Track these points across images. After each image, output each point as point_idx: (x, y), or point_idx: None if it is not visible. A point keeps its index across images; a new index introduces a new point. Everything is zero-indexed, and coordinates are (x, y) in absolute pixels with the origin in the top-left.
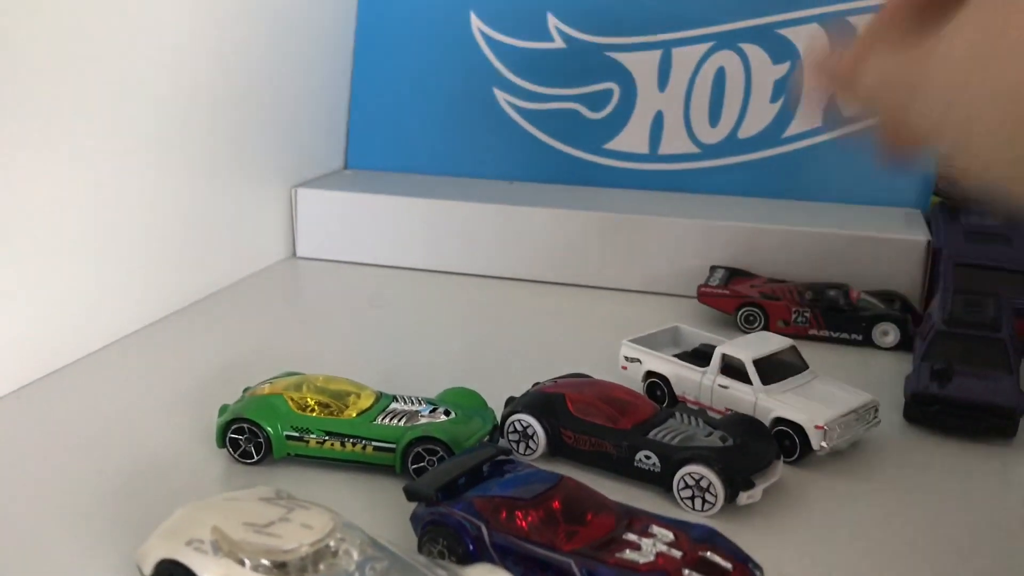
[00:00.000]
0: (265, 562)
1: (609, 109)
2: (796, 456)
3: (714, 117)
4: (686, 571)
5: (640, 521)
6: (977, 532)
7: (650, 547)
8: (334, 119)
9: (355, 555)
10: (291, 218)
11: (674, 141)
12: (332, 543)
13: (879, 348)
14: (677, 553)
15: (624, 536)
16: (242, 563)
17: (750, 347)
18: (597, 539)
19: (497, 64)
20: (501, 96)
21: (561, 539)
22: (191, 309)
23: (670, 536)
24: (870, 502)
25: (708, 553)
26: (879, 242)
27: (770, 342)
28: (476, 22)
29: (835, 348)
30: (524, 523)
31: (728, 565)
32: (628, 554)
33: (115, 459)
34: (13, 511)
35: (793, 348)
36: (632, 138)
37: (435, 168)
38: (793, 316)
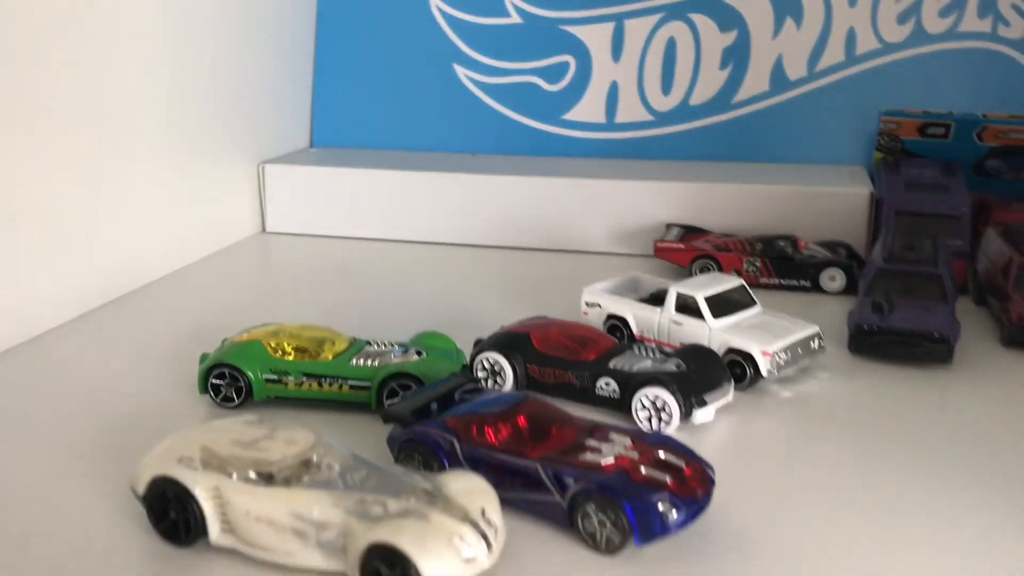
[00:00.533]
0: (252, 474)
1: (566, 81)
2: (747, 383)
3: (666, 85)
4: (643, 468)
5: (600, 431)
6: (915, 448)
7: (610, 450)
8: (298, 98)
9: (336, 467)
10: (260, 194)
11: (629, 110)
12: (315, 457)
13: (827, 293)
14: (635, 454)
15: (586, 443)
16: (230, 476)
17: (702, 286)
18: (561, 447)
19: (456, 40)
20: (461, 71)
21: (528, 448)
22: (165, 280)
23: (628, 441)
24: (815, 423)
25: (662, 453)
26: (824, 195)
27: (720, 281)
28: (435, 0)
29: (785, 294)
30: (493, 436)
31: (681, 463)
32: (590, 456)
33: (104, 409)
34: (12, 454)
35: (742, 286)
36: (589, 108)
37: (399, 144)
38: (745, 266)
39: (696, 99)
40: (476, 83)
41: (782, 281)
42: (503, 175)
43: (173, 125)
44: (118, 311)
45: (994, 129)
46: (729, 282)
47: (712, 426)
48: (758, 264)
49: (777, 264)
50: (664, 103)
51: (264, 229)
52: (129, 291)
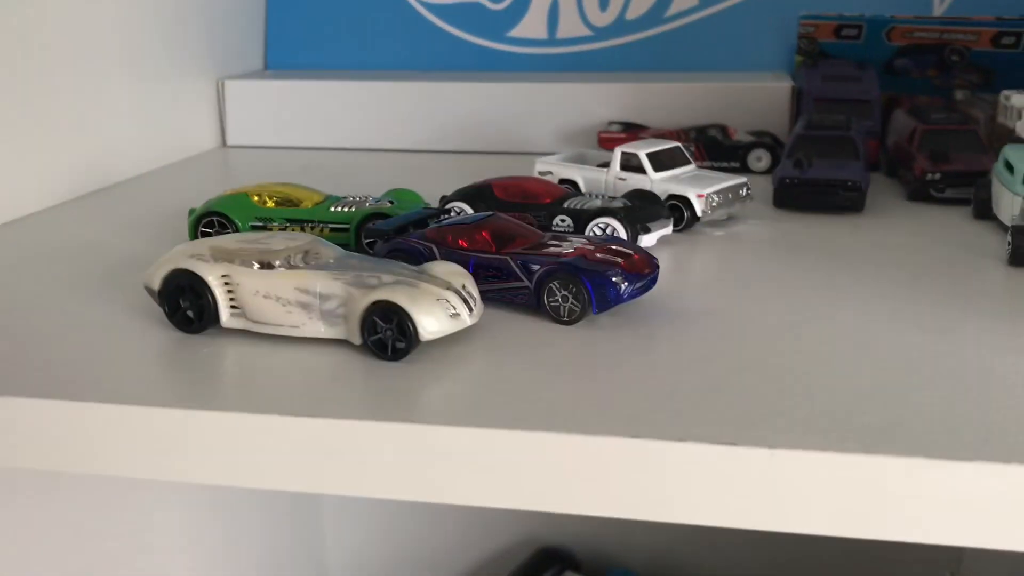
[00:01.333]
0: (257, 263)
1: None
2: (685, 224)
3: (603, 2)
4: (599, 254)
5: (560, 237)
6: (829, 272)
7: (569, 246)
8: (252, 23)
9: (333, 257)
10: (219, 109)
11: (569, 26)
12: (312, 249)
13: (754, 172)
14: (591, 247)
15: (548, 242)
16: (237, 264)
17: (644, 145)
18: (526, 246)
19: None
20: None
21: (498, 249)
22: (130, 182)
23: (584, 240)
24: (744, 254)
25: (614, 246)
26: (750, 89)
27: (660, 142)
28: None
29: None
30: (466, 242)
31: (630, 251)
32: (552, 250)
33: (102, 261)
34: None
35: (679, 147)
36: (532, 25)
37: (350, 65)
38: None
39: (632, 14)
40: (423, 3)
41: (714, 164)
42: (454, 81)
43: (130, 41)
44: (89, 204)
45: (901, 29)
46: (667, 143)
47: (656, 253)
48: (692, 149)
49: (710, 148)
50: (602, 19)
51: (225, 143)
52: (97, 188)
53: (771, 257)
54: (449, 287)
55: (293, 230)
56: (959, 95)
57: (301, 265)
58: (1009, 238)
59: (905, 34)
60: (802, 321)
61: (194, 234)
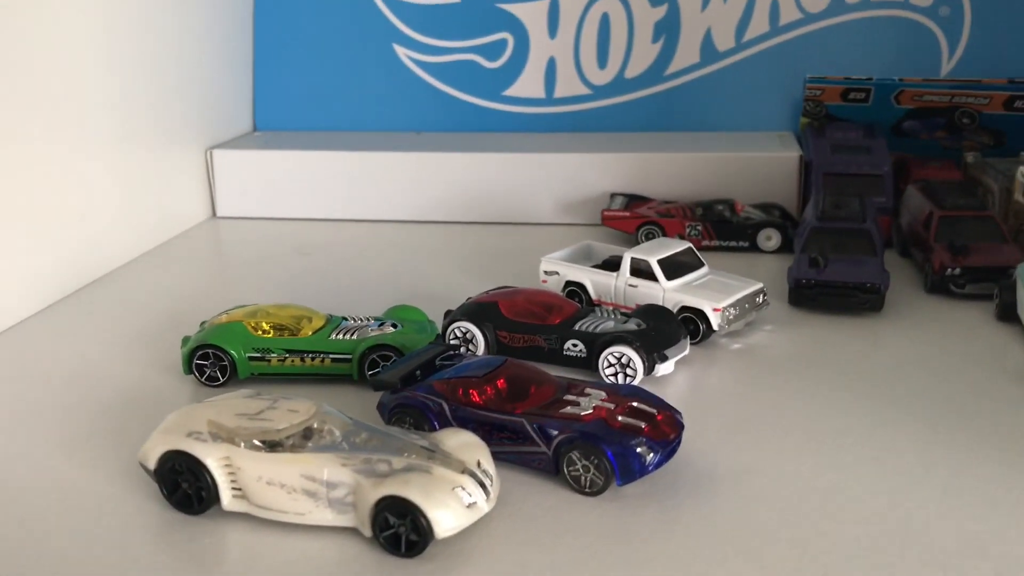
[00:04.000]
0: (260, 443)
1: (505, 58)
2: (700, 338)
3: (602, 60)
4: (619, 416)
5: (576, 387)
6: (853, 387)
7: (587, 403)
8: (240, 83)
9: (338, 432)
10: (208, 180)
11: (567, 84)
12: (316, 423)
13: (764, 252)
14: (611, 404)
15: (564, 398)
16: (239, 445)
17: (654, 250)
18: (542, 402)
19: (395, 21)
20: (401, 52)
21: (511, 406)
22: (122, 270)
23: (603, 394)
24: (764, 370)
25: (635, 403)
26: (757, 160)
27: (670, 245)
28: None
29: (726, 255)
30: (479, 397)
31: (653, 410)
32: (570, 409)
33: (91, 394)
34: (9, 443)
35: (690, 249)
36: (528, 84)
37: (341, 125)
38: (687, 230)
39: (631, 72)
40: (417, 62)
41: (722, 243)
42: (450, 152)
43: (116, 115)
44: (80, 303)
45: (910, 92)
46: (678, 246)
47: (672, 378)
48: (699, 228)
49: (717, 227)
50: (600, 77)
51: (215, 214)
52: (87, 283)
53: (789, 378)
54: (464, 469)
55: (292, 362)
56: (969, 158)
57: (305, 445)
58: None
59: (914, 97)
60: (832, 478)
61: (188, 367)
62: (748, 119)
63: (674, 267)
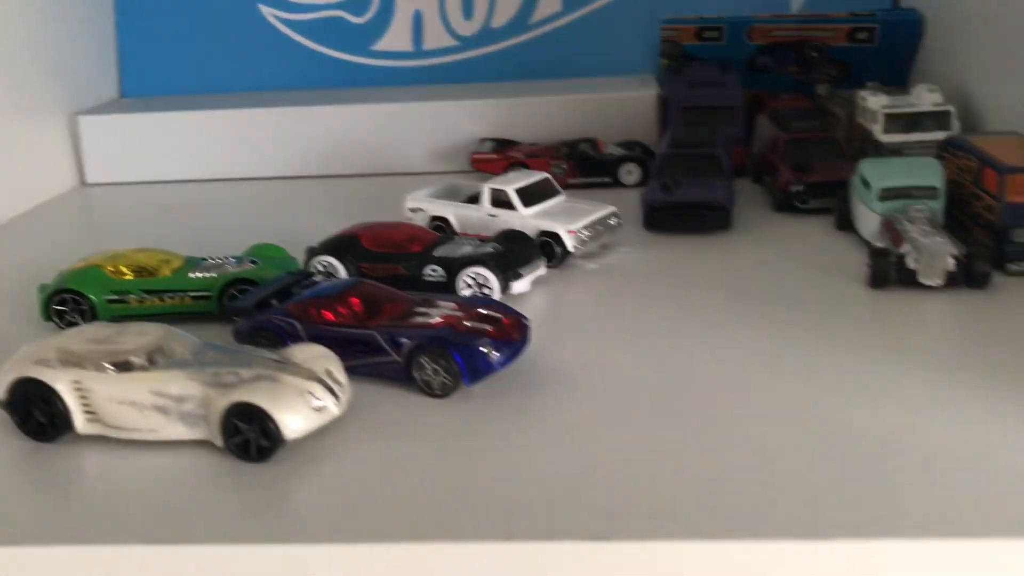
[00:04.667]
0: (108, 365)
1: (371, 13)
2: (558, 259)
3: (467, 11)
4: (466, 322)
5: (428, 301)
6: (704, 298)
7: (437, 313)
8: (102, 49)
9: (187, 351)
10: (75, 147)
11: (435, 37)
12: (165, 345)
13: (626, 186)
14: (459, 313)
15: (416, 310)
16: (89, 369)
17: (511, 180)
18: (394, 316)
19: None
20: (267, 11)
21: (365, 322)
22: None
23: (454, 305)
24: (619, 286)
25: (482, 310)
26: (617, 100)
27: (528, 175)
28: None
29: (590, 191)
30: (333, 315)
31: (499, 315)
32: (420, 319)
33: None
34: None
35: (547, 179)
36: (396, 38)
37: (209, 87)
38: (553, 169)
39: (497, 22)
40: (283, 21)
41: (586, 179)
42: (320, 105)
43: None
44: None
45: (761, 29)
46: (535, 176)
47: (531, 296)
48: (564, 166)
49: (581, 164)
50: (467, 28)
51: (84, 181)
52: None
53: (643, 292)
54: (312, 376)
55: (152, 302)
56: (821, 90)
57: (156, 364)
58: (869, 260)
59: (765, 33)
60: (675, 377)
61: (46, 313)
62: (611, 64)
63: (531, 195)
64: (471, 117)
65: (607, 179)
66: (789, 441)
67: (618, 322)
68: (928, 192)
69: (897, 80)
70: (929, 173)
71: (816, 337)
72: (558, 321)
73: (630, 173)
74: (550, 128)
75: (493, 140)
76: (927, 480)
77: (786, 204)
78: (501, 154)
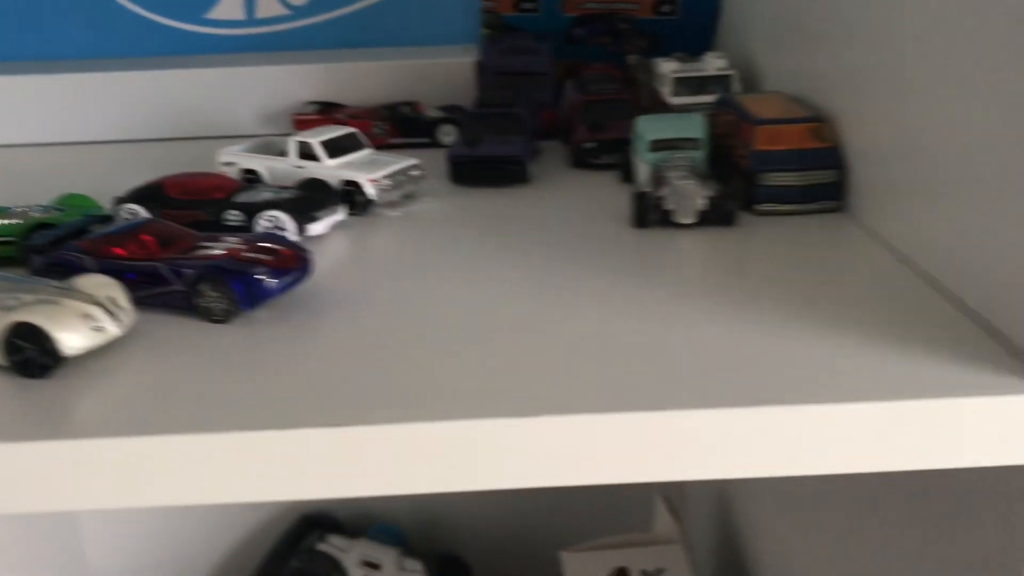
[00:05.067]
0: None
1: None
2: (361, 208)
3: None
4: (246, 253)
5: (214, 237)
6: (502, 243)
7: (220, 246)
8: None
9: None
10: None
11: (268, 5)
12: None
13: (444, 146)
14: (242, 246)
15: (202, 244)
16: None
17: (318, 134)
18: (181, 250)
19: None
20: None
21: (153, 256)
22: None
23: (237, 239)
24: (420, 232)
25: (264, 243)
26: (438, 66)
27: (334, 130)
28: None
29: (410, 151)
30: (122, 250)
31: (280, 247)
32: (203, 252)
33: None
34: None
35: (354, 133)
36: (228, 5)
37: (31, 55)
38: (374, 129)
39: None
40: None
41: (406, 139)
42: (149, 71)
43: None
44: None
45: (573, 1)
46: (341, 130)
47: (330, 238)
48: (385, 127)
49: (401, 125)
50: None
51: None
52: None
53: (439, 237)
54: (94, 301)
55: None
56: (631, 60)
57: None
58: (631, 202)
59: (577, 5)
60: (449, 301)
61: None
62: (438, 35)
63: (336, 148)
64: (299, 82)
65: (426, 139)
66: (538, 341)
67: (410, 260)
68: (691, 143)
69: (701, 50)
70: (692, 127)
71: (580, 268)
72: (353, 260)
73: (448, 134)
74: (376, 93)
75: (318, 103)
76: (649, 364)
77: (581, 160)
78: (323, 116)
